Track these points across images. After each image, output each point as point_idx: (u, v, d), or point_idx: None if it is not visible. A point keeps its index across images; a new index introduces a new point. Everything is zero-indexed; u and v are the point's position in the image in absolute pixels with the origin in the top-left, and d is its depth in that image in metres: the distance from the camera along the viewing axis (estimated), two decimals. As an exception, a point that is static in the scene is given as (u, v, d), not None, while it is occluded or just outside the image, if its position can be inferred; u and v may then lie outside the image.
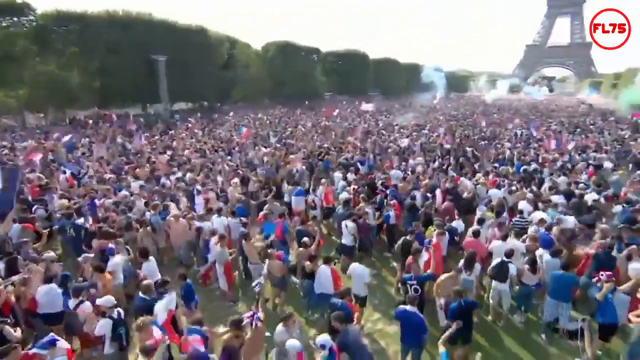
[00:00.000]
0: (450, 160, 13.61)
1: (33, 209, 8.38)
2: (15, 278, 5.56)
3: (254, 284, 5.79)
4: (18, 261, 5.94)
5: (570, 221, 7.68)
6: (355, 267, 6.25)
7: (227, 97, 37.43)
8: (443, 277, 5.81)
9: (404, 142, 17.03)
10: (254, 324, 4.45)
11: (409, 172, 11.79)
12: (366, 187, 10.28)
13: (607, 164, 12.92)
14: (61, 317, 5.22)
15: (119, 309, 4.87)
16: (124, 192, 9.68)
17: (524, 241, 7.04)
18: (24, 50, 21.98)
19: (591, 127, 24.31)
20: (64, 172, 11.00)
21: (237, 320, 4.42)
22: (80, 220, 7.69)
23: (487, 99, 56.99)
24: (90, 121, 24.01)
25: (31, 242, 6.58)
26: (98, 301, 4.90)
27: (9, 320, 4.72)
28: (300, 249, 6.71)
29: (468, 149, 15.78)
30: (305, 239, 6.84)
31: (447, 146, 16.27)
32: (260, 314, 4.62)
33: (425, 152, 15.49)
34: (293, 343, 4.19)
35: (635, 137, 19.53)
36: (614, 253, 6.41)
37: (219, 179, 11.10)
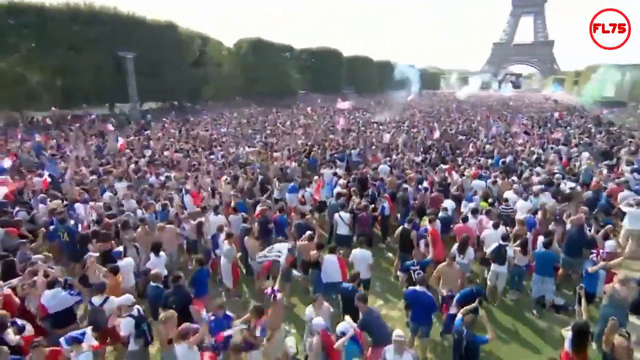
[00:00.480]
0: (433, 155, 14.42)
1: (15, 211, 8.17)
2: (14, 281, 5.53)
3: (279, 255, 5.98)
4: (15, 264, 5.89)
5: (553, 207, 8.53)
6: (356, 252, 6.69)
7: (198, 96, 36.86)
8: (440, 267, 6.20)
9: (387, 138, 17.70)
10: (273, 297, 4.81)
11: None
12: (357, 182, 10.75)
13: (585, 154, 14.14)
14: (72, 317, 5.26)
15: (137, 306, 5.00)
16: (108, 194, 9.61)
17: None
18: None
19: (559, 121, 26.13)
20: (40, 175, 10.68)
21: (258, 308, 4.69)
22: (71, 223, 7.63)
23: (460, 96, 59.54)
24: (50, 122, 22.96)
25: (28, 244, 6.49)
26: (117, 301, 5.00)
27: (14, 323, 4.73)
28: (304, 242, 7.02)
29: (446, 143, 16.75)
30: (309, 232, 7.17)
31: (429, 142, 17.10)
32: (279, 291, 4.99)
33: (407, 147, 16.23)
34: (318, 321, 4.53)
35: (599, 129, 21.27)
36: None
37: (207, 178, 11.17)
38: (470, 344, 4.32)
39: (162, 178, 10.74)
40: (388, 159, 13.61)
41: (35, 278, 5.31)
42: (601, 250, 6.30)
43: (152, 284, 5.40)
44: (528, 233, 7.34)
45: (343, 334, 4.39)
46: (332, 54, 54.45)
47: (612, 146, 16.40)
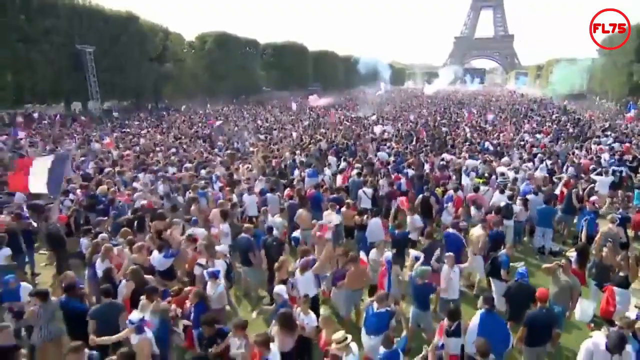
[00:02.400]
0: (426, 143, 16.90)
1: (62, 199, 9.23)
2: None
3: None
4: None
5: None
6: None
7: (160, 93, 37.23)
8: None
9: (378, 130, 19.96)
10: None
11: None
12: (368, 166, 12.75)
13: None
14: (174, 274, 6.69)
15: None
16: (135, 185, 10.81)
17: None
18: None
19: (530, 112, 30.00)
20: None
21: (354, 256, 6.31)
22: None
23: (427, 92, 64.01)
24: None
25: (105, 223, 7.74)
26: (219, 248, 6.55)
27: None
28: (346, 210, 8.83)
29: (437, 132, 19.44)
30: (349, 200, 9.05)
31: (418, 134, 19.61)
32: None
33: (400, 137, 18.57)
34: (388, 255, 6.39)
35: (567, 118, 25.16)
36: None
37: (222, 168, 12.59)
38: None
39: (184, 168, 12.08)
40: (387, 147, 15.80)
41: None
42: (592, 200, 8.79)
43: (243, 235, 6.98)
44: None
45: (417, 258, 6.28)
46: (297, 49, 56.44)
47: (580, 131, 19.86)
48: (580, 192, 9.71)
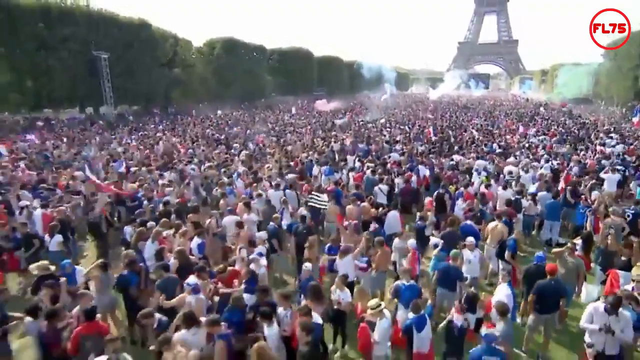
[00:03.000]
0: (435, 145, 17.65)
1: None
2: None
3: None
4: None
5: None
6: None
7: (170, 98, 38.18)
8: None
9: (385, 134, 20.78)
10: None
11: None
12: (382, 166, 13.50)
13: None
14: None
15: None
16: (162, 182, 11.57)
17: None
18: None
19: (535, 116, 30.70)
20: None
21: (381, 240, 7.01)
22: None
23: (432, 96, 64.88)
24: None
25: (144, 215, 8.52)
26: (259, 234, 7.28)
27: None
28: (365, 204, 9.54)
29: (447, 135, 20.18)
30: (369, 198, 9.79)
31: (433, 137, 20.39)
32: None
33: (409, 140, 19.31)
34: (412, 242, 7.07)
35: (573, 121, 25.84)
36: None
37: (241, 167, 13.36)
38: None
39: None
40: (399, 148, 16.59)
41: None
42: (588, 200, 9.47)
43: (271, 223, 7.77)
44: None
45: (436, 245, 6.98)
46: (303, 55, 57.44)
47: (585, 133, 20.56)
48: (583, 189, 10.41)
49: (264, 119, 29.98)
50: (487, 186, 10.73)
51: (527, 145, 17.75)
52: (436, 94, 67.65)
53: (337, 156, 15.51)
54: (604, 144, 16.93)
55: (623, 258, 6.70)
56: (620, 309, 4.63)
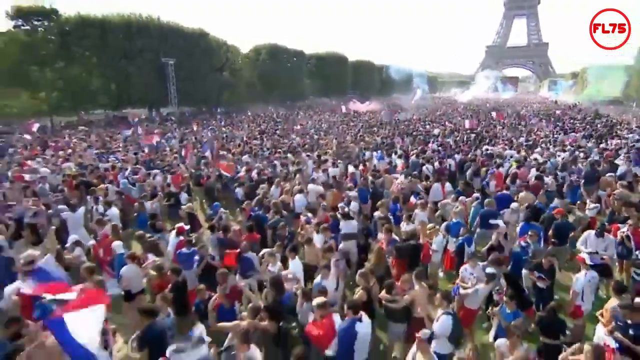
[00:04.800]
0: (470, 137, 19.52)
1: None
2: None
3: None
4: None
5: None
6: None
7: (221, 100, 41.36)
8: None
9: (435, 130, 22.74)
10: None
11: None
12: (421, 153, 15.54)
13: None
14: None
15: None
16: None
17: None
18: (49, 54, 24.97)
19: (563, 117, 31.64)
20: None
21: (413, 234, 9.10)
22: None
23: (461, 99, 65.59)
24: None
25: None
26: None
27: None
28: (413, 179, 11.63)
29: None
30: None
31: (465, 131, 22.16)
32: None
33: (444, 135, 21.22)
34: (462, 198, 9.11)
35: (600, 120, 26.89)
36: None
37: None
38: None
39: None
40: (438, 139, 18.61)
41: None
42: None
43: None
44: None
45: (477, 198, 9.00)
46: (338, 59, 59.91)
47: (610, 130, 21.76)
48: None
49: (310, 116, 32.46)
50: (518, 167, 12.59)
51: (552, 140, 19.25)
52: (465, 96, 68.25)
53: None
54: (626, 138, 18.21)
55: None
56: (605, 234, 6.57)
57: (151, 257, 6.50)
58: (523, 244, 6.72)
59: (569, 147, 16.72)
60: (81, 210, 7.97)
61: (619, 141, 17.51)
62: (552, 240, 7.51)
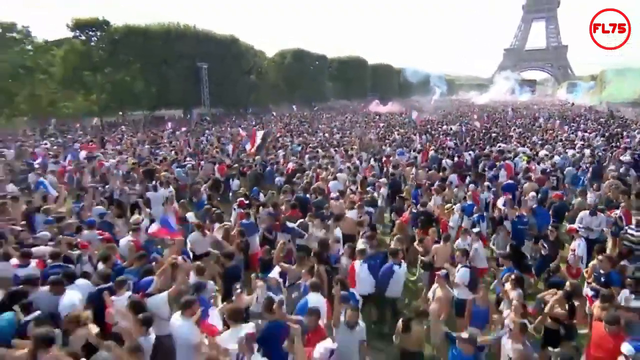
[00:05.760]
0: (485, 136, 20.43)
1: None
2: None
3: None
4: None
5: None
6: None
7: (249, 102, 43.12)
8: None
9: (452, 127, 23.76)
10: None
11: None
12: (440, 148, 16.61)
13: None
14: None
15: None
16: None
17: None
18: (100, 60, 27.14)
19: (577, 118, 31.93)
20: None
21: (424, 203, 10.27)
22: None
23: (478, 101, 65.63)
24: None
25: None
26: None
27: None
28: (432, 171, 12.74)
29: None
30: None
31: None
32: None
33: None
34: (472, 186, 10.19)
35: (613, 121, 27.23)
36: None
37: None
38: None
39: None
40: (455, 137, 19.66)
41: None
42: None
43: None
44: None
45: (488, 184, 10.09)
46: (359, 63, 61.05)
47: (622, 130, 22.25)
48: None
49: (333, 116, 33.83)
50: (528, 162, 13.55)
51: (562, 139, 19.93)
52: (482, 99, 68.23)
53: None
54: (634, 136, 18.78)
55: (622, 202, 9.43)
56: (598, 213, 7.59)
57: (217, 225, 7.91)
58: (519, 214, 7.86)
59: (579, 145, 17.44)
60: (161, 191, 9.48)
61: (628, 140, 18.08)
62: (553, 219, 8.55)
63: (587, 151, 15.99)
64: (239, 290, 4.80)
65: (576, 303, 4.75)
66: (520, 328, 4.02)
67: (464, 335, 3.91)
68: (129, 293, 4.64)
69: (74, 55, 26.04)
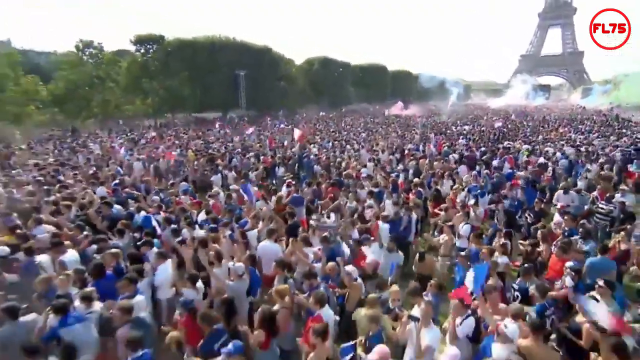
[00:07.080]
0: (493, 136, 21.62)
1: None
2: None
3: None
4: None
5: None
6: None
7: (279, 106, 45.22)
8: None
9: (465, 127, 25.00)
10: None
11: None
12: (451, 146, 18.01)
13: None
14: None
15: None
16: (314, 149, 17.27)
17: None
18: (156, 70, 29.84)
19: (585, 120, 32.33)
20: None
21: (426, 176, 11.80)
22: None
23: (492, 105, 65.54)
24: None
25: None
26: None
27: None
28: (445, 163, 14.21)
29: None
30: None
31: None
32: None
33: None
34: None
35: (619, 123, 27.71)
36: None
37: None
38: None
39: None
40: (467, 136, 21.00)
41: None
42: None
43: None
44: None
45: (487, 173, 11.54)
46: (379, 69, 62.43)
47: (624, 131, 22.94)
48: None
49: (357, 118, 35.50)
50: (529, 156, 14.84)
51: (565, 138, 20.88)
52: (497, 103, 68.03)
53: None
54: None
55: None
56: (570, 192, 9.08)
57: (274, 199, 9.78)
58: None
59: (579, 143, 18.45)
60: (232, 173, 11.64)
61: (625, 139, 18.93)
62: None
63: (583, 148, 17.07)
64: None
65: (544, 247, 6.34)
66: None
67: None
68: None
69: (135, 65, 28.95)
